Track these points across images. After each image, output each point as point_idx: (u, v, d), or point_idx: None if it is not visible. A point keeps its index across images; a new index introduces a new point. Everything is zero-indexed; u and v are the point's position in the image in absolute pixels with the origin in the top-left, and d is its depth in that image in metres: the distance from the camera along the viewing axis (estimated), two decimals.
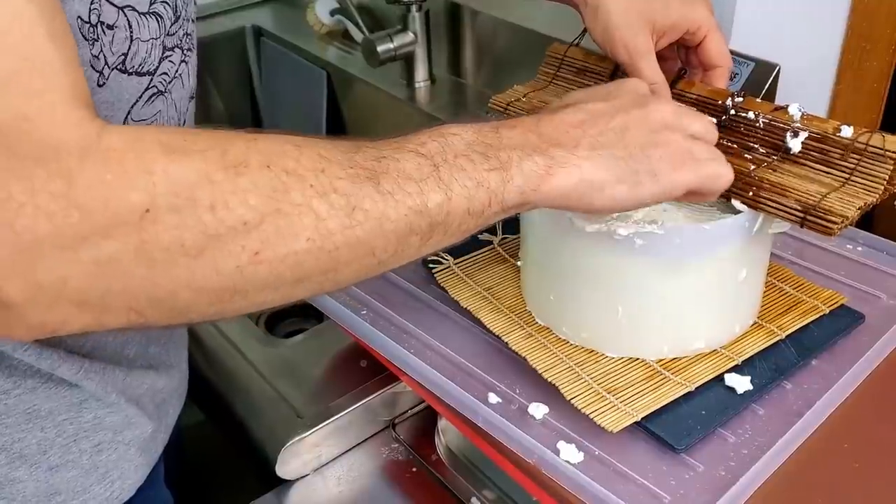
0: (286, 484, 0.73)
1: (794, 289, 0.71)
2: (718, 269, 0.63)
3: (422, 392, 0.67)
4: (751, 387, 0.62)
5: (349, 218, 0.44)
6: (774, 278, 0.72)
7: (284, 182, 0.43)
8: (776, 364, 0.65)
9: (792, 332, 0.67)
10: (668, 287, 0.62)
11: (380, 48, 1.25)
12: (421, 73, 1.31)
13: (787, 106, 0.63)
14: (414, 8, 1.25)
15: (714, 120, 0.62)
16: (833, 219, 0.57)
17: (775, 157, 0.62)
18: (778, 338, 0.66)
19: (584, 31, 0.73)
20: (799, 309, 0.69)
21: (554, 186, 0.51)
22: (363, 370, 0.79)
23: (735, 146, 0.64)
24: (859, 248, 0.78)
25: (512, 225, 0.80)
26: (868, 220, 0.91)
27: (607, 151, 0.52)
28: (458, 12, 1.28)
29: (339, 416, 0.74)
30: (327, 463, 0.75)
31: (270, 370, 0.81)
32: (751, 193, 0.60)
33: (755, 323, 0.68)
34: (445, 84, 1.33)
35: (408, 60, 1.30)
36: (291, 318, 1.16)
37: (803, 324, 0.68)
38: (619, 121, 0.53)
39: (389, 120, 1.34)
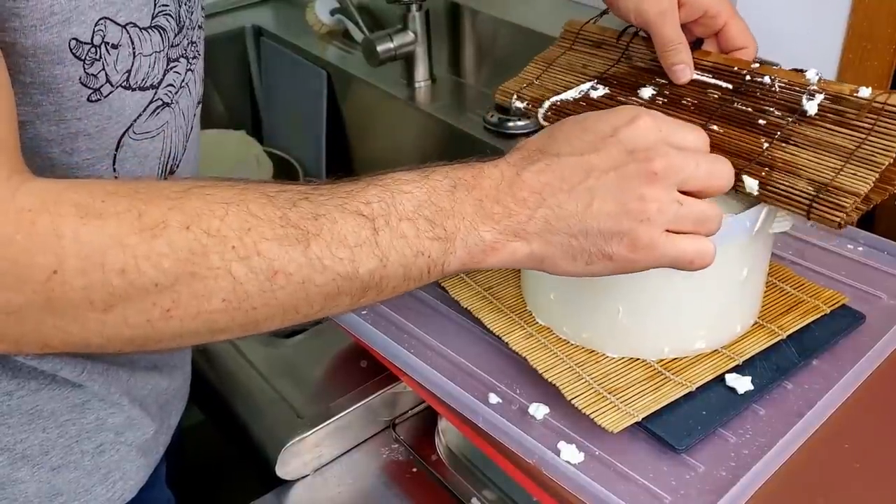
0: (286, 484, 0.73)
1: (794, 289, 0.71)
2: (719, 268, 0.62)
3: (422, 392, 0.67)
4: (751, 387, 0.62)
5: (269, 282, 0.44)
6: (775, 278, 0.72)
7: (204, 244, 0.43)
8: (777, 364, 0.65)
9: (793, 332, 0.67)
10: (668, 287, 0.62)
11: (380, 48, 1.25)
12: (421, 72, 1.31)
13: (805, 71, 0.63)
14: (414, 7, 1.25)
15: (729, 85, 0.62)
16: (845, 200, 0.56)
17: (790, 119, 0.62)
18: (779, 338, 0.66)
19: (605, 11, 0.74)
20: (800, 309, 0.69)
21: (500, 259, 0.50)
22: (363, 370, 0.78)
23: (750, 110, 0.64)
24: (860, 248, 0.78)
25: None
26: (868, 220, 0.91)
27: (562, 225, 0.50)
28: (458, 12, 1.28)
29: (339, 416, 0.74)
30: (327, 463, 0.75)
31: (270, 370, 0.81)
32: (763, 173, 0.59)
33: (756, 323, 0.68)
34: (445, 84, 1.33)
35: (408, 60, 1.30)
36: None
37: (804, 324, 0.68)
38: (585, 187, 0.49)
39: (389, 120, 1.34)
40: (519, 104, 0.74)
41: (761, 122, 0.63)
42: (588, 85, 0.72)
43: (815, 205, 0.57)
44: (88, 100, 0.51)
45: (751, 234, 0.62)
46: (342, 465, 0.75)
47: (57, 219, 0.41)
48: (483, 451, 0.63)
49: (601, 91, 0.71)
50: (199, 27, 0.61)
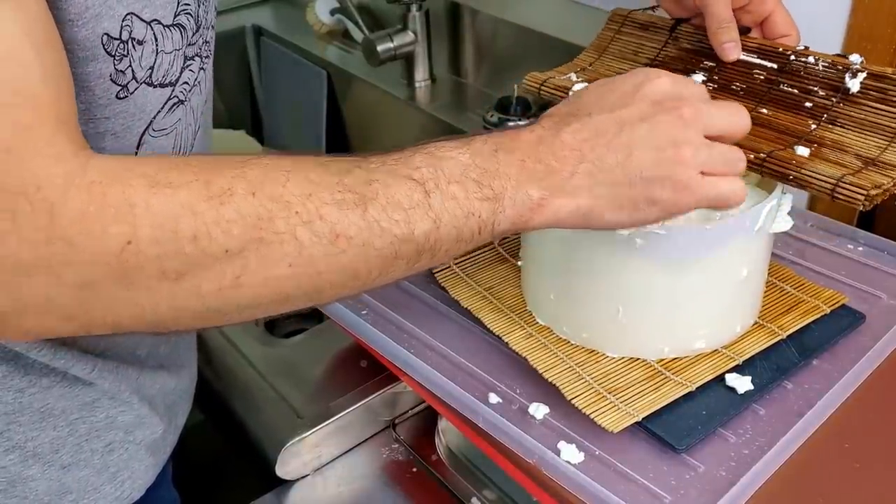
0: (286, 484, 0.73)
1: (794, 289, 0.71)
2: (719, 268, 0.62)
3: (422, 392, 0.67)
4: (751, 387, 0.62)
5: (332, 245, 0.44)
6: (775, 278, 0.72)
7: (269, 210, 0.43)
8: (777, 364, 0.65)
9: (793, 332, 0.67)
10: (668, 287, 0.62)
11: (380, 48, 1.25)
12: (421, 72, 1.31)
13: (847, 56, 0.66)
14: (414, 7, 1.25)
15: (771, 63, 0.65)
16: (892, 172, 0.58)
17: (835, 99, 0.64)
18: (779, 338, 0.66)
19: (653, 7, 0.76)
20: (800, 309, 0.69)
21: (547, 217, 0.51)
22: (363, 370, 0.78)
23: (796, 91, 0.66)
24: (860, 248, 0.78)
25: None
26: (868, 220, 0.91)
27: (606, 177, 0.51)
28: (458, 12, 1.28)
29: (339, 416, 0.74)
30: (327, 463, 0.75)
31: (270, 370, 0.81)
32: (810, 151, 0.62)
33: (756, 323, 0.68)
34: (446, 84, 1.33)
35: (408, 60, 1.30)
36: (291, 318, 1.16)
37: (804, 324, 0.68)
38: (623, 140, 0.51)
39: (389, 120, 1.34)
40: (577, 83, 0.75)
41: (808, 104, 0.65)
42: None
43: (862, 172, 0.59)
44: (117, 97, 0.52)
45: (751, 235, 0.62)
46: (342, 465, 0.75)
47: (128, 189, 0.41)
48: (483, 451, 0.63)
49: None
50: (212, 27, 0.62)
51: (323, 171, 0.46)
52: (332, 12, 1.46)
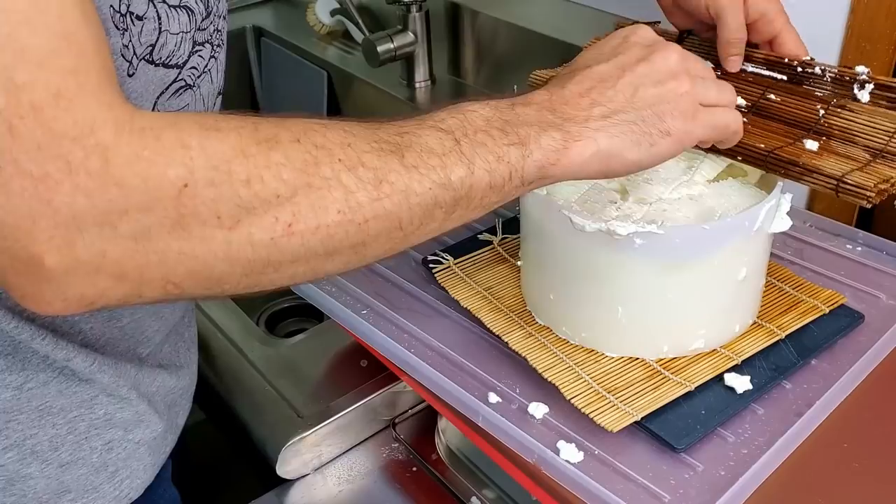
0: (286, 483, 0.73)
1: (793, 289, 0.71)
2: (718, 268, 0.63)
3: (422, 392, 0.67)
4: (750, 386, 0.62)
5: (377, 190, 0.45)
6: (774, 278, 0.72)
7: (315, 156, 0.44)
8: (776, 364, 0.65)
9: (792, 332, 0.67)
10: (667, 287, 0.62)
11: (380, 48, 1.25)
12: (421, 73, 1.31)
13: (853, 67, 0.67)
14: (414, 8, 1.25)
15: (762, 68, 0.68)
16: None
17: (846, 104, 0.66)
18: (778, 337, 0.67)
19: (654, 23, 0.78)
20: (799, 309, 0.69)
21: (572, 160, 0.52)
22: (363, 370, 0.79)
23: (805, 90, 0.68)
24: (859, 248, 0.78)
25: (512, 225, 0.80)
26: (868, 220, 0.91)
27: (619, 117, 0.53)
28: (458, 12, 1.28)
29: (339, 415, 0.74)
30: (327, 463, 0.75)
31: (270, 370, 0.81)
32: (819, 144, 0.63)
33: (755, 323, 0.68)
34: (445, 84, 1.33)
35: (408, 60, 1.30)
36: (291, 318, 1.16)
37: (803, 324, 0.68)
38: (626, 81, 0.54)
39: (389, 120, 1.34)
40: None
41: (818, 93, 0.67)
42: None
43: (870, 165, 0.59)
44: (128, 74, 0.51)
45: (750, 234, 0.62)
46: (342, 465, 0.75)
47: (181, 132, 0.41)
48: (483, 451, 0.64)
49: None
50: (224, 17, 0.62)
51: (356, 125, 0.47)
52: (333, 13, 1.46)
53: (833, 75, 0.68)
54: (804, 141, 0.63)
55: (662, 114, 0.54)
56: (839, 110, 0.65)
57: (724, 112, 0.57)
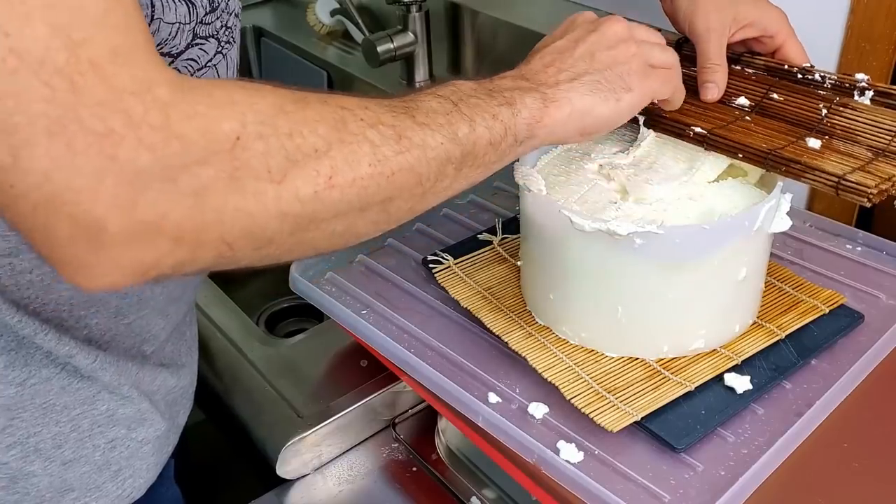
0: (286, 483, 0.73)
1: (793, 289, 0.71)
2: (718, 268, 0.63)
3: (422, 392, 0.67)
4: (750, 386, 0.62)
5: (398, 144, 0.48)
6: (774, 278, 0.72)
7: (341, 115, 0.46)
8: (776, 364, 0.65)
9: (791, 332, 0.67)
10: (667, 287, 0.62)
11: (380, 48, 1.25)
12: (421, 73, 1.31)
13: (853, 75, 0.68)
14: (414, 8, 1.25)
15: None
16: None
17: (848, 102, 0.66)
18: (777, 337, 0.67)
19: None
20: (798, 309, 0.69)
21: (554, 118, 0.56)
22: (363, 370, 0.79)
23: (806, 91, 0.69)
24: (859, 248, 0.78)
25: (512, 225, 0.80)
26: (868, 220, 0.91)
27: (585, 79, 0.58)
28: (458, 12, 1.28)
29: (339, 415, 0.74)
30: (327, 463, 0.75)
31: (270, 370, 0.81)
32: (821, 143, 0.63)
33: (755, 323, 0.68)
34: None
35: (408, 60, 1.30)
36: (291, 318, 1.16)
37: (803, 324, 0.68)
38: (581, 49, 0.59)
39: None
40: None
41: (820, 91, 0.68)
42: None
43: (872, 163, 0.60)
44: None
45: (749, 234, 0.62)
46: (342, 465, 0.75)
47: (228, 89, 0.43)
48: (483, 451, 0.64)
49: None
50: (236, 15, 0.62)
51: (364, 96, 0.50)
52: (333, 13, 1.46)
53: (833, 82, 0.68)
54: (807, 139, 0.63)
55: (621, 73, 0.59)
56: (842, 109, 0.65)
57: (671, 73, 0.63)
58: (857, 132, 0.63)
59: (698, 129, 0.65)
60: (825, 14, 0.89)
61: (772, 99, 0.68)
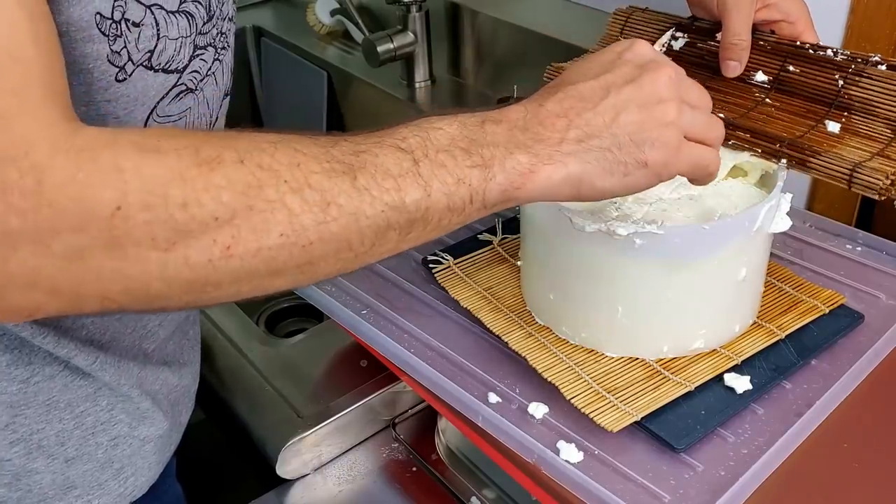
0: (286, 483, 0.73)
1: (793, 289, 0.71)
2: (718, 268, 0.63)
3: (422, 392, 0.67)
4: (750, 386, 0.62)
5: (323, 213, 0.44)
6: (774, 278, 0.72)
7: (258, 177, 0.43)
8: (776, 364, 0.65)
9: (791, 332, 0.67)
10: (667, 287, 0.62)
11: (380, 48, 1.25)
12: (421, 73, 1.31)
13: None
14: (414, 8, 1.25)
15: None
16: None
17: (863, 69, 0.65)
18: (777, 338, 0.67)
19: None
20: (798, 309, 0.69)
21: (538, 184, 0.50)
22: (363, 370, 0.79)
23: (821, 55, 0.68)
24: (859, 249, 0.78)
25: (512, 225, 0.80)
26: (868, 220, 0.91)
27: (594, 143, 0.50)
28: (458, 12, 1.28)
29: (339, 415, 0.74)
30: (327, 462, 0.75)
31: (270, 370, 0.81)
32: (840, 125, 0.63)
33: (755, 323, 0.68)
34: (445, 84, 1.33)
35: (408, 60, 1.30)
36: (291, 318, 1.16)
37: (803, 324, 0.68)
38: (608, 103, 0.51)
39: (389, 120, 1.33)
40: None
41: (838, 58, 0.67)
42: (668, 34, 0.73)
43: (891, 146, 0.60)
44: (116, 79, 0.52)
45: (749, 234, 0.62)
46: (342, 465, 0.75)
47: (118, 154, 0.41)
48: (483, 451, 0.64)
49: (682, 41, 0.74)
50: (230, 19, 0.62)
51: (310, 143, 0.46)
52: (333, 13, 1.46)
53: (845, 56, 0.67)
54: (826, 122, 0.62)
55: (642, 143, 0.51)
56: (857, 77, 0.65)
57: (707, 151, 0.54)
58: (874, 103, 0.63)
59: (721, 117, 0.64)
60: (825, 14, 0.89)
61: (788, 72, 0.68)
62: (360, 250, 0.47)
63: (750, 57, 0.70)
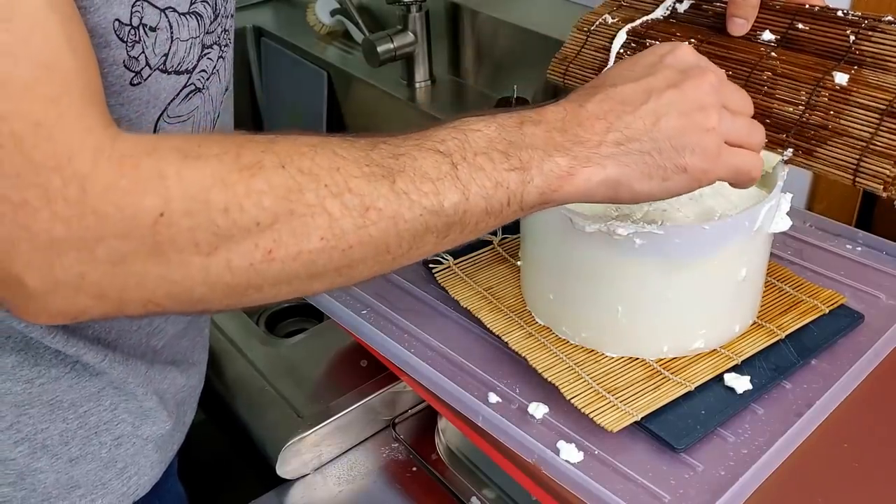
0: (286, 483, 0.73)
1: (793, 289, 0.71)
2: (718, 268, 0.63)
3: (422, 392, 0.67)
4: (750, 386, 0.62)
5: (363, 218, 0.44)
6: (774, 278, 0.72)
7: (299, 182, 0.43)
8: (776, 364, 0.65)
9: (791, 332, 0.67)
10: (667, 287, 0.62)
11: (380, 48, 1.25)
12: (421, 73, 1.31)
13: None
14: (414, 8, 1.25)
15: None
16: None
17: (877, 25, 0.63)
18: (777, 338, 0.67)
19: None
20: (798, 309, 0.69)
21: (576, 187, 0.50)
22: (363, 370, 0.79)
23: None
24: (859, 248, 0.78)
25: (512, 225, 0.80)
26: (868, 220, 0.91)
27: (634, 146, 0.50)
28: (458, 12, 1.28)
29: (339, 415, 0.74)
30: (327, 462, 0.75)
31: (270, 370, 0.81)
32: (849, 76, 0.61)
33: (755, 323, 0.68)
34: (445, 84, 1.33)
35: (408, 60, 1.30)
36: (291, 318, 1.16)
37: (803, 324, 0.68)
38: (649, 107, 0.51)
39: (390, 120, 1.34)
40: (611, 20, 0.74)
41: (851, 17, 0.64)
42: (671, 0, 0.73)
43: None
44: (131, 83, 0.52)
45: (749, 234, 0.62)
46: (342, 465, 0.75)
47: (160, 161, 0.41)
48: (483, 451, 0.64)
49: (686, 4, 0.72)
50: (231, 16, 0.62)
51: (349, 147, 0.46)
52: (333, 13, 1.46)
53: (855, 17, 0.65)
54: (834, 74, 0.61)
55: (682, 148, 0.51)
56: (870, 33, 0.62)
57: (748, 156, 0.54)
58: (887, 58, 0.61)
59: None
60: None
61: (797, 30, 0.66)
62: (397, 253, 0.47)
63: (757, 16, 0.67)
